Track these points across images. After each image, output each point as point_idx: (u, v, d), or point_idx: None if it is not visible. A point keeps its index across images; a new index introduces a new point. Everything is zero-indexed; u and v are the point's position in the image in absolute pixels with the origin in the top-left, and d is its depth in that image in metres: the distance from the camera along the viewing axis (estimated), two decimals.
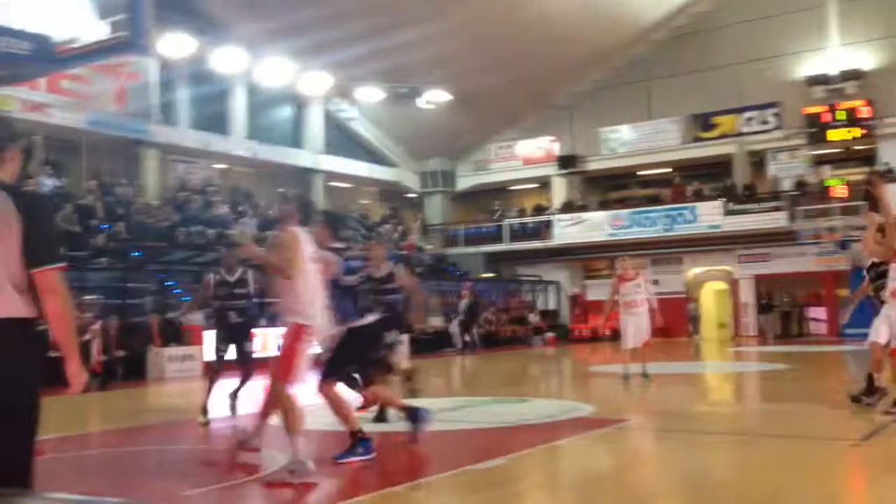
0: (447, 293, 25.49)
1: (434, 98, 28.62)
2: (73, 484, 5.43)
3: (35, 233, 2.92)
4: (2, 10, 8.20)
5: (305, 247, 5.54)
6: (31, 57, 8.08)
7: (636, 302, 12.10)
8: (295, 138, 28.18)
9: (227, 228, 21.50)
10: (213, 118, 25.13)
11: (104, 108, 21.27)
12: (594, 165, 30.32)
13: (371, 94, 28.31)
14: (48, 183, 19.09)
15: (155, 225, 20.13)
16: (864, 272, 8.57)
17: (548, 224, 29.27)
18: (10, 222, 2.88)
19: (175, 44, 22.07)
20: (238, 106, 25.82)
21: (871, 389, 8.09)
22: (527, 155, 31.47)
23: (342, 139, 30.00)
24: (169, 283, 18.12)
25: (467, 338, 22.32)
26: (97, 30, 8.05)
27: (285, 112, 28.11)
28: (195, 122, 24.66)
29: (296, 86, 26.36)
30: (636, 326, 11.93)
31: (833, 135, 25.76)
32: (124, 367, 14.85)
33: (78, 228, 17.71)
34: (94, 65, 18.50)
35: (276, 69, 25.00)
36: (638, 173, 30.89)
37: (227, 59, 23.70)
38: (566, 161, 30.18)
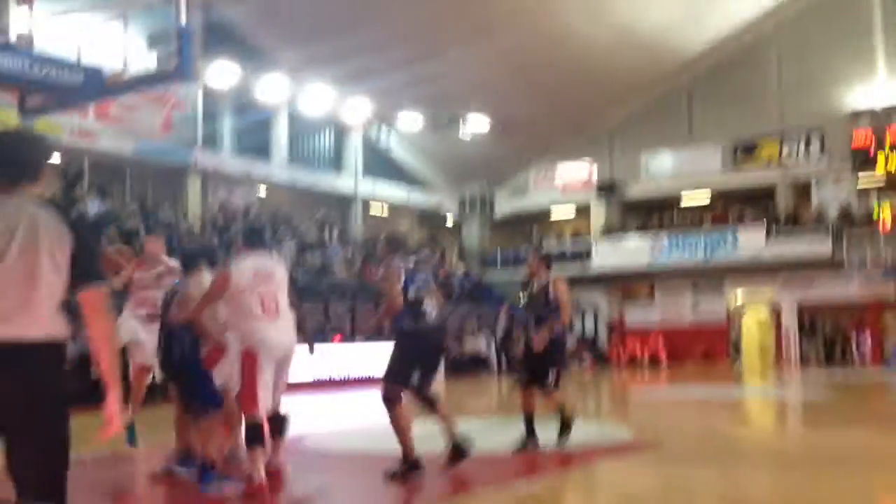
0: (484, 317, 25.50)
1: (473, 124, 28.82)
2: None
3: (83, 251, 2.85)
4: (56, 41, 8.51)
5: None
6: (83, 87, 8.33)
7: None
8: (335, 164, 28.56)
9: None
10: (255, 144, 25.61)
11: (150, 135, 21.83)
12: (634, 191, 30.20)
13: (410, 120, 28.59)
14: (94, 206, 19.62)
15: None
16: None
17: (587, 249, 29.17)
18: (62, 239, 2.82)
19: (220, 72, 22.59)
20: (280, 133, 26.28)
21: None
22: (566, 181, 31.46)
23: (381, 164, 30.31)
24: None
25: (503, 361, 22.29)
26: (146, 60, 8.29)
27: (326, 138, 28.53)
28: (238, 148, 25.15)
29: (337, 112, 26.74)
30: None
31: (880, 163, 25.38)
32: None
33: None
34: (142, 94, 19.00)
35: (318, 96, 25.40)
36: (679, 199, 30.69)
37: (271, 88, 24.15)
38: (605, 187, 30.11)
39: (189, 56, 6.57)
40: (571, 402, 7.83)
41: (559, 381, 7.43)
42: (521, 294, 7.79)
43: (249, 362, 5.53)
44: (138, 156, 21.59)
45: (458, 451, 6.20)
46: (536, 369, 7.38)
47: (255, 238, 6.20)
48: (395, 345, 6.27)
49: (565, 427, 7.42)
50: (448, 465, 6.19)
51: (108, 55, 8.67)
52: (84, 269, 2.86)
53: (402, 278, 6.15)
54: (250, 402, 5.52)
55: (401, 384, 6.10)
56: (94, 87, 8.35)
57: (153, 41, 7.33)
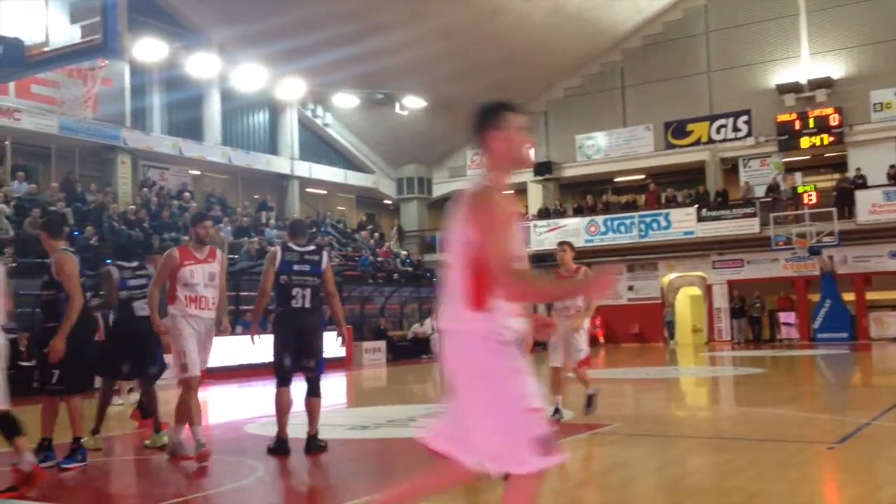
0: (424, 299, 25.45)
1: (410, 104, 28.60)
2: None
3: None
4: None
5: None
6: (2, 60, 7.91)
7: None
8: (270, 144, 28.03)
9: None
10: (187, 124, 24.93)
11: (76, 113, 20.99)
12: (569, 172, 30.48)
13: (346, 100, 28.23)
14: (21, 188, 18.83)
15: (128, 231, 19.87)
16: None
17: (525, 230, 29.32)
18: None
19: (148, 48, 21.89)
20: (212, 111, 25.62)
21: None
22: None
23: (318, 145, 29.89)
24: None
25: None
26: (69, 33, 7.90)
27: (260, 118, 27.95)
28: (169, 127, 24.45)
29: (271, 92, 26.22)
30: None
31: (804, 142, 26.14)
32: None
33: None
34: (66, 69, 18.24)
35: (251, 75, 24.86)
36: (613, 179, 31.11)
37: (201, 65, 23.52)
38: (542, 167, 30.29)
39: (114, 30, 6.27)
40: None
41: None
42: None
43: None
44: (63, 134, 20.78)
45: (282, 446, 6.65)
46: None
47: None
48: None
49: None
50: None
51: (29, 28, 8.25)
52: None
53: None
54: None
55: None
56: (14, 60, 7.94)
57: (76, 14, 6.97)
